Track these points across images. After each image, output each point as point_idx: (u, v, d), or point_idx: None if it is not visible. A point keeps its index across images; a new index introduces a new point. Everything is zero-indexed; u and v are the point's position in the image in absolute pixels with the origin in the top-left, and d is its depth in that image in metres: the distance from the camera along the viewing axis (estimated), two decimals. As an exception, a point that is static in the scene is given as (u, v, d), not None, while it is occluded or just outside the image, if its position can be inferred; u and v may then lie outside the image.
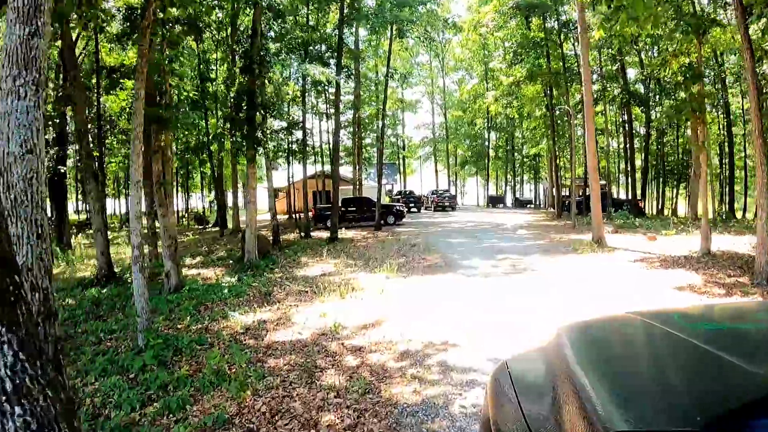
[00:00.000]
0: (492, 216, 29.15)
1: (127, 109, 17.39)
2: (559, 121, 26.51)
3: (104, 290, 12.34)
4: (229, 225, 36.35)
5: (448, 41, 50.80)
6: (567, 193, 40.91)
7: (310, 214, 27.88)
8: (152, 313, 8.03)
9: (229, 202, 31.39)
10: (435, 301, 8.31)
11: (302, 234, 21.41)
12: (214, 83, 21.40)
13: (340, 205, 25.96)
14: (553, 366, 1.73)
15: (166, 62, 12.91)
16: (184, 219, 41.11)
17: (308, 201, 31.18)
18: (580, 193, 39.39)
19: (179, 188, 43.69)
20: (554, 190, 36.80)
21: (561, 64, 24.57)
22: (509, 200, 48.71)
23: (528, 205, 45.09)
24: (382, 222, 24.80)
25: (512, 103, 24.75)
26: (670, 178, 36.76)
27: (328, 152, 43.75)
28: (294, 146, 35.12)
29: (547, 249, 14.10)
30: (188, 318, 8.95)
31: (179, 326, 8.61)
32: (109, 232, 15.44)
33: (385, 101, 22.59)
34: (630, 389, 1.43)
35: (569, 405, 1.41)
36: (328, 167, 43.04)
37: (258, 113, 14.76)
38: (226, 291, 10.70)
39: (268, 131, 19.60)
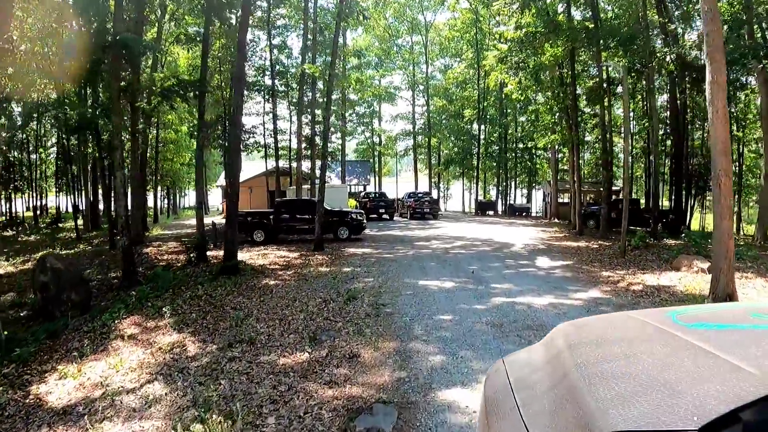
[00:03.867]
0: (486, 228, 21.50)
1: None
2: (586, 102, 19.03)
3: None
4: (155, 231, 28.19)
5: (433, 20, 43.36)
6: (566, 200, 33.66)
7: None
8: None
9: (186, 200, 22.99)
10: None
11: (192, 257, 13.40)
12: None
13: (272, 209, 18.12)
14: (551, 365, 1.72)
15: None
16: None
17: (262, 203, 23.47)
18: (589, 199, 32.06)
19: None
20: (570, 196, 29.48)
21: (590, 15, 17.06)
22: (501, 207, 41.13)
23: (524, 213, 37.69)
24: (331, 236, 16.96)
25: (527, 64, 16.95)
26: (693, 185, 29.90)
27: (286, 145, 35.84)
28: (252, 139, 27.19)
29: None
30: None
31: None
32: None
33: (335, 49, 14.47)
34: (628, 389, 1.40)
35: (567, 404, 1.41)
36: (283, 162, 35.09)
37: None
38: None
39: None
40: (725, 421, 1.15)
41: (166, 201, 54.85)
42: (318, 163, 35.89)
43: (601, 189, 30.17)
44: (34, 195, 39.47)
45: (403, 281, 9.14)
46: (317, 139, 24.16)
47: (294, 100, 24.05)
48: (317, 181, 28.30)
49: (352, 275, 9.99)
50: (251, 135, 26.30)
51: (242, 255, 14.28)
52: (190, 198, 67.67)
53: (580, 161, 32.51)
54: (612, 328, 2.03)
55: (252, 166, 41.64)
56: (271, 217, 17.28)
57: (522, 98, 22.41)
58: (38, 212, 39.31)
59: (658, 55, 17.68)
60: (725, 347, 1.53)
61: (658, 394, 1.31)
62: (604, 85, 18.23)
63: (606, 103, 19.60)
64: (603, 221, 17.54)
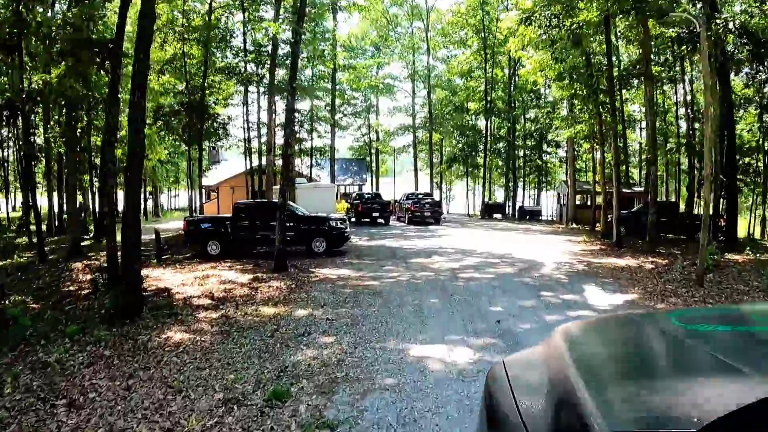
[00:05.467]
0: (500, 237, 17.78)
1: None
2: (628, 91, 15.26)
3: None
4: (119, 237, 24.35)
5: (435, 3, 39.56)
6: (581, 203, 29.81)
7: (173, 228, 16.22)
8: None
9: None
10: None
11: (99, 282, 9.68)
12: None
13: (231, 214, 14.41)
14: (551, 366, 1.65)
15: None
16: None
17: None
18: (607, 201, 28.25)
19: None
20: (590, 198, 25.65)
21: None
22: (509, 209, 37.19)
23: (536, 217, 33.93)
24: (304, 247, 13.31)
25: (562, 23, 12.93)
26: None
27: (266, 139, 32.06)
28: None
29: None
30: None
31: None
32: None
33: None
34: (628, 390, 1.37)
35: (567, 405, 1.34)
36: (266, 160, 31.35)
37: None
38: None
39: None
40: (725, 423, 1.09)
41: (150, 201, 51.52)
42: (304, 159, 32.01)
43: (627, 190, 26.61)
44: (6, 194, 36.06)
45: (383, 346, 5.36)
46: (296, 128, 20.55)
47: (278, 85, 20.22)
48: (297, 180, 24.57)
49: (304, 326, 6.24)
50: (222, 126, 22.59)
51: (179, 276, 10.64)
52: (181, 199, 63.88)
53: (597, 159, 28.74)
54: (613, 329, 1.99)
55: (237, 164, 37.93)
56: (229, 224, 13.58)
57: (541, 81, 18.73)
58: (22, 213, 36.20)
59: (717, 21, 13.92)
60: (725, 349, 1.54)
61: (658, 395, 1.27)
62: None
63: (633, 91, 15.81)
64: (651, 231, 13.72)
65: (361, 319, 6.44)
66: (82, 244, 19.74)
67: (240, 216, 13.65)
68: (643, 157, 36.82)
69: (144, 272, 11.48)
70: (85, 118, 18.01)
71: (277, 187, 23.42)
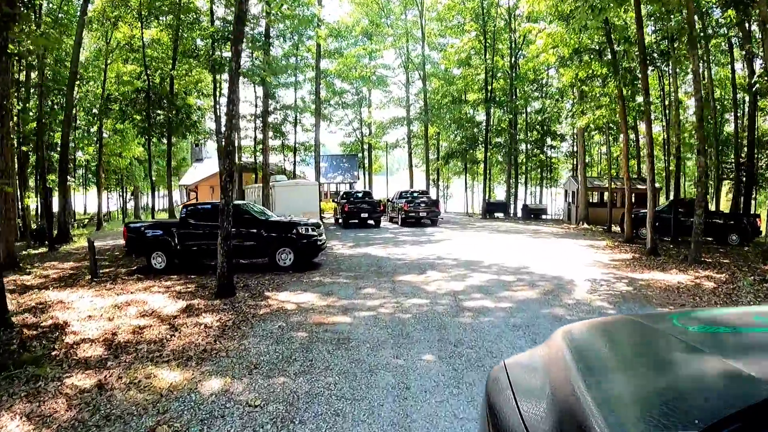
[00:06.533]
0: (509, 243, 15.15)
1: None
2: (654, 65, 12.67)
3: None
4: (82, 241, 21.70)
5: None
6: (591, 200, 27.21)
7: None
8: None
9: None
10: None
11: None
12: None
13: (178, 218, 11.79)
14: (551, 368, 1.63)
15: None
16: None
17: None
18: (630, 200, 25.68)
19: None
20: (609, 195, 23.15)
21: None
22: (511, 208, 34.52)
23: (541, 216, 31.39)
24: (264, 260, 10.70)
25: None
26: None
27: (250, 134, 29.38)
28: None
29: None
30: None
31: None
32: None
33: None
34: (629, 391, 1.38)
35: (567, 407, 1.34)
36: (247, 156, 28.66)
37: None
38: None
39: None
40: (726, 424, 1.09)
41: (132, 203, 48.98)
42: (288, 155, 29.35)
43: (642, 185, 24.06)
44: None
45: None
46: (271, 119, 17.80)
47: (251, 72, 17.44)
48: (278, 177, 21.90)
49: (201, 423, 3.60)
50: (187, 116, 19.92)
51: (96, 302, 8.00)
52: (166, 200, 61.09)
53: (619, 150, 26.14)
54: (614, 330, 1.94)
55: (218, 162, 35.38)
56: (174, 230, 10.92)
57: (553, 60, 16.15)
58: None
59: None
60: (727, 350, 1.51)
61: (659, 396, 1.27)
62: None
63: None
64: (698, 235, 11.07)
65: (302, 406, 3.79)
66: (23, 252, 17.17)
67: (190, 221, 10.99)
68: (655, 153, 34.44)
69: (60, 295, 8.87)
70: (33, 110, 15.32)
71: (253, 186, 20.83)
